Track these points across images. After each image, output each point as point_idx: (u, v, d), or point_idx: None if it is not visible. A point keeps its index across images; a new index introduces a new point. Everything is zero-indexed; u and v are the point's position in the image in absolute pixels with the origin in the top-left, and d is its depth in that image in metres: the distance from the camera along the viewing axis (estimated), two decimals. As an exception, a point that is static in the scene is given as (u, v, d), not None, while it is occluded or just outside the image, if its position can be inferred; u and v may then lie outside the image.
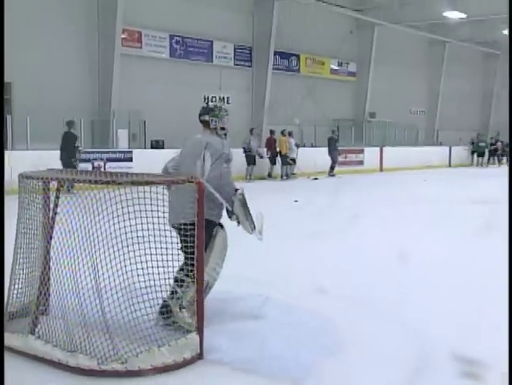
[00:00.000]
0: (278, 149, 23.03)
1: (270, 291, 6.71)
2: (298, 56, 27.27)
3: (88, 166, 16.40)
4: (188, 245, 5.04)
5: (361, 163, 27.29)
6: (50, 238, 5.18)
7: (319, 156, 24.01)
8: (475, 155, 34.27)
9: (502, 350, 5.23)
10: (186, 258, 5.19)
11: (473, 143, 34.45)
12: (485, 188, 21.36)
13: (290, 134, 23.33)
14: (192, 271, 5.16)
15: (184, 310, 5.41)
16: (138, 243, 4.77)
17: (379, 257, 8.64)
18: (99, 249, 4.73)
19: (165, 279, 4.93)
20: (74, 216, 4.91)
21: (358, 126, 29.76)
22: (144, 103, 20.14)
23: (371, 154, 27.82)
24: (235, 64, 24.63)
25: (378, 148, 28.28)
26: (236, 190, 5.72)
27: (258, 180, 22.11)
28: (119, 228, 4.75)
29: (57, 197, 5.39)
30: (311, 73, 27.96)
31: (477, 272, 8.22)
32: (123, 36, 20.16)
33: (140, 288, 4.92)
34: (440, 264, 8.57)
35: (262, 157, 22.32)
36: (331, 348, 5.32)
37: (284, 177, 23.02)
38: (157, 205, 4.76)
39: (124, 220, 4.75)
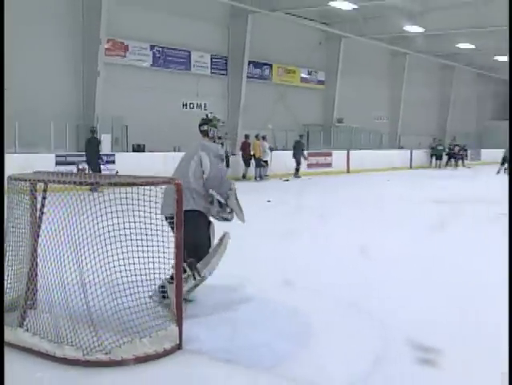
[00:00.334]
0: (252, 152, 23.09)
1: (245, 286, 6.72)
2: (270, 65, 27.29)
3: (73, 168, 16.25)
4: (186, 236, 5.08)
5: (329, 165, 27.36)
6: (38, 236, 5.16)
7: (290, 159, 24.06)
8: (434, 158, 34.60)
9: (459, 338, 5.29)
10: (186, 248, 5.28)
11: (432, 147, 34.77)
12: (443, 188, 21.56)
13: (263, 138, 23.38)
14: (190, 265, 5.53)
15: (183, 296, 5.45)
16: (120, 241, 4.75)
17: (346, 253, 8.67)
18: (84, 247, 4.71)
19: (146, 275, 4.91)
20: (60, 216, 4.88)
21: (326, 131, 29.85)
22: (127, 109, 20.05)
23: (338, 157, 27.91)
24: (212, 73, 24.59)
25: (345, 152, 28.36)
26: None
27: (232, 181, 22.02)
28: (103, 227, 4.75)
29: (44, 198, 5.35)
30: (283, 81, 28.00)
31: (437, 267, 8.28)
32: (107, 46, 20.04)
33: (123, 283, 4.91)
34: (403, 260, 8.62)
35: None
36: (301, 338, 5.34)
37: (258, 178, 23.03)
38: (138, 205, 4.75)
39: (107, 220, 4.75)
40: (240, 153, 23.28)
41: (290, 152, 24.28)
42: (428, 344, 5.10)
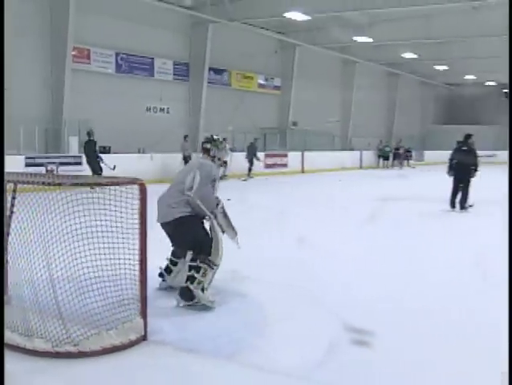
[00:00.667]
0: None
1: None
2: (229, 72, 27.27)
3: (42, 170, 16.00)
4: (186, 238, 5.80)
5: (285, 165, 27.43)
6: (8, 235, 5.08)
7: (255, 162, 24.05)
8: (381, 158, 34.98)
9: (408, 325, 5.37)
10: (191, 249, 5.81)
11: (380, 149, 35.16)
12: (390, 187, 21.83)
13: (224, 140, 23.25)
14: (203, 259, 5.72)
15: (206, 291, 5.77)
16: (87, 238, 4.72)
17: (301, 248, 8.68)
18: (52, 244, 4.66)
19: (112, 270, 4.87)
20: (29, 215, 4.82)
21: (282, 133, 29.97)
22: (93, 113, 19.86)
23: (293, 158, 28.01)
24: (174, 78, 24.46)
25: (300, 153, 28.46)
26: (217, 205, 6.13)
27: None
28: (71, 225, 4.71)
29: (13, 198, 5.28)
30: (241, 87, 28.00)
31: (388, 261, 8.39)
32: (73, 53, 19.81)
33: (90, 278, 4.87)
34: (357, 254, 8.70)
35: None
36: (259, 328, 5.36)
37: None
38: (104, 204, 4.71)
39: (75, 218, 4.71)
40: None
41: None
42: (379, 332, 5.16)
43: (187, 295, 5.74)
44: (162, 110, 23.57)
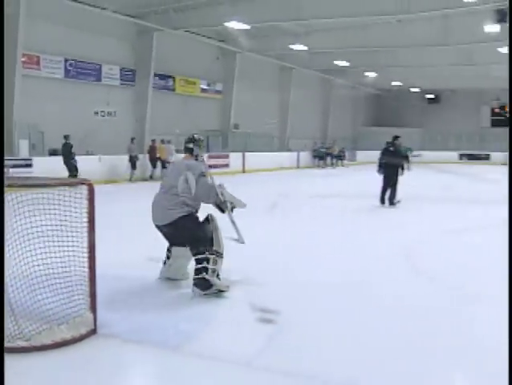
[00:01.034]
0: (158, 155, 22.93)
1: (152, 274, 6.68)
2: (173, 77, 27.10)
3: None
4: (188, 235, 5.92)
5: (227, 166, 27.41)
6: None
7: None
8: (317, 158, 35.37)
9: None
10: (194, 247, 5.91)
11: (315, 150, 35.56)
12: (326, 185, 22.11)
13: (169, 142, 23.33)
14: (209, 250, 5.85)
15: (220, 277, 5.95)
16: (38, 237, 4.63)
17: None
18: (3, 243, 4.54)
19: (62, 267, 4.78)
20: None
21: (224, 135, 29.96)
22: (43, 117, 19.49)
23: (235, 158, 28.05)
24: (121, 84, 24.15)
25: (241, 154, 28.53)
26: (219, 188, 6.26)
27: (141, 181, 21.93)
28: (21, 225, 4.60)
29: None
30: (185, 91, 27.85)
31: (322, 253, 8.50)
32: (23, 59, 19.36)
33: (41, 275, 4.78)
34: (292, 248, 8.79)
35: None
36: (205, 320, 5.36)
37: (164, 178, 22.77)
38: (54, 204, 4.63)
39: (25, 218, 4.61)
40: (147, 156, 23.05)
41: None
42: (314, 320, 5.24)
43: (203, 285, 5.83)
44: (109, 114, 23.23)
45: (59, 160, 18.19)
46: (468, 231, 10.69)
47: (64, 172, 17.43)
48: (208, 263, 5.82)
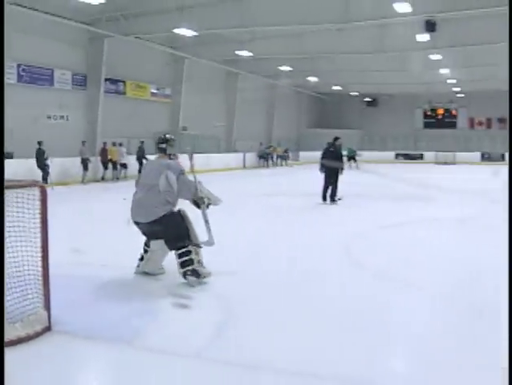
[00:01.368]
0: (109, 157, 22.64)
1: (104, 271, 6.62)
2: (124, 82, 26.76)
3: None
4: (170, 231, 6.02)
5: (177, 166, 27.23)
6: None
7: (144, 162, 23.67)
8: (262, 159, 35.55)
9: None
10: (173, 242, 6.05)
11: (260, 150, 35.74)
12: (271, 184, 22.24)
13: (120, 144, 23.09)
14: (190, 243, 6.04)
15: (203, 265, 6.16)
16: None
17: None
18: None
19: (16, 267, 4.67)
20: None
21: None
22: (-4, 121, 18.95)
23: (184, 160, 27.59)
24: (73, 88, 23.69)
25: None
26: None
27: (93, 182, 21.64)
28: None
29: None
30: (135, 96, 27.55)
31: (267, 247, 8.57)
32: (-26, 63, 18.81)
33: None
34: (238, 245, 8.83)
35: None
36: (155, 314, 5.34)
37: (115, 179, 22.60)
38: (6, 205, 4.51)
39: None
40: (99, 158, 22.72)
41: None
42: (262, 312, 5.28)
43: (195, 274, 6.03)
44: (62, 117, 22.81)
45: (11, 162, 17.74)
46: (407, 225, 10.97)
47: (16, 175, 16.97)
48: (191, 254, 6.02)
